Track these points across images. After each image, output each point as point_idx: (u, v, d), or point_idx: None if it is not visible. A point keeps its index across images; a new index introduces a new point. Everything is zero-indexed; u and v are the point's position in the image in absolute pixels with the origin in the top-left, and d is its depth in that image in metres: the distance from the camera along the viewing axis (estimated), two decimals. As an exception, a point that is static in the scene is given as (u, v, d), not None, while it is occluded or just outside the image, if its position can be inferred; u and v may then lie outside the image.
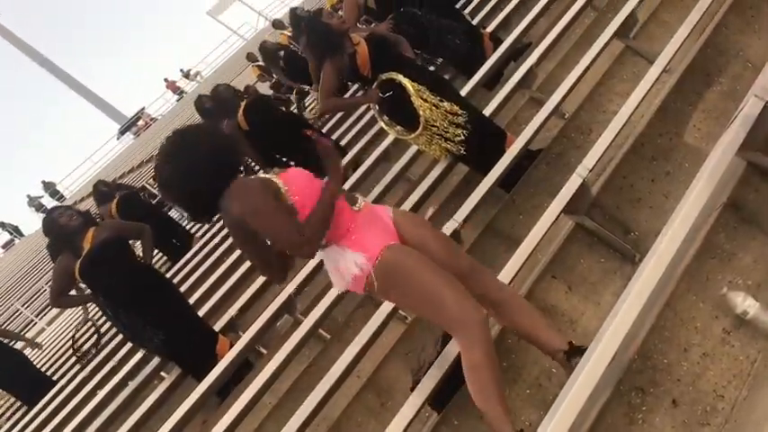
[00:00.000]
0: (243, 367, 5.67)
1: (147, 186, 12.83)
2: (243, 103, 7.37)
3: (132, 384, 6.31)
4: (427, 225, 3.34)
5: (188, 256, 9.59)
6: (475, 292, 3.20)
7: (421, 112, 4.91)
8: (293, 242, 2.94)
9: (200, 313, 6.57)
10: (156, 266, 11.07)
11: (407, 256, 3.05)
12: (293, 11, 7.76)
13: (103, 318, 6.92)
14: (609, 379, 3.17)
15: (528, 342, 3.41)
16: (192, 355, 5.90)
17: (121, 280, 5.65)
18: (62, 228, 5.67)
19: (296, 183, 3.05)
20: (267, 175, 3.07)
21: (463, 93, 5.95)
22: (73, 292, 6.12)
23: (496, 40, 7.11)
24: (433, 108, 4.94)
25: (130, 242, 6.19)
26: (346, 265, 3.08)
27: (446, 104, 4.98)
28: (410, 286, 3.03)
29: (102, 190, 9.39)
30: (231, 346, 5.64)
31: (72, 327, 12.10)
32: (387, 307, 4.31)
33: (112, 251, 5.70)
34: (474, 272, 3.25)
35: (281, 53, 10.48)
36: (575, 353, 3.14)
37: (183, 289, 8.00)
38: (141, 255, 6.27)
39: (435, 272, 3.02)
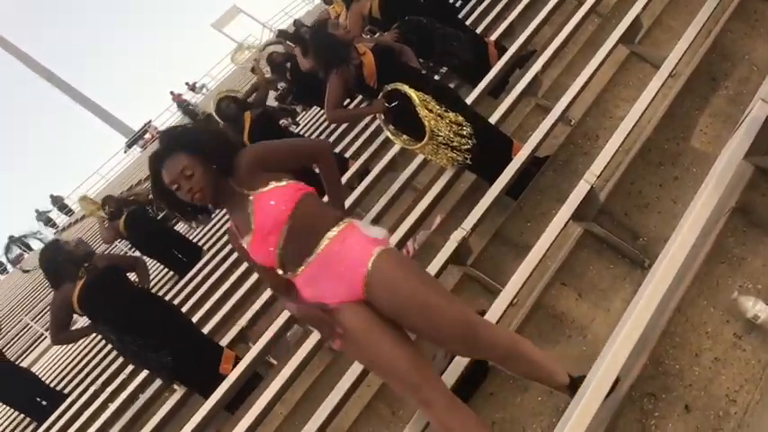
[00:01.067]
0: (253, 379, 5.66)
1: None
2: (248, 122, 7.42)
3: (143, 397, 6.31)
4: (407, 294, 2.92)
5: (196, 268, 9.61)
6: (469, 355, 3.27)
7: (426, 123, 4.91)
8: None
9: (210, 325, 6.58)
10: (164, 280, 11.15)
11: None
12: (297, 24, 7.79)
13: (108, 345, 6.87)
14: (621, 385, 3.17)
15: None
16: (198, 376, 5.90)
17: (120, 306, 5.66)
18: (69, 253, 5.69)
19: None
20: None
21: (468, 101, 5.96)
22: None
23: (501, 48, 7.12)
24: (438, 118, 4.94)
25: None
26: None
27: (451, 114, 4.98)
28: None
29: (110, 207, 9.42)
30: (237, 359, 5.65)
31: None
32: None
33: (109, 278, 5.71)
34: (465, 341, 2.98)
35: (288, 65, 10.50)
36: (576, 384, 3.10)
37: (192, 301, 8.02)
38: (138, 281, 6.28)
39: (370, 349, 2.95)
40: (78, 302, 5.56)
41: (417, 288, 2.91)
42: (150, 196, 11.86)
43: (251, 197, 2.96)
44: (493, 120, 5.67)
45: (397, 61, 5.35)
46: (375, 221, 6.19)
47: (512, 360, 3.08)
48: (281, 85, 11.06)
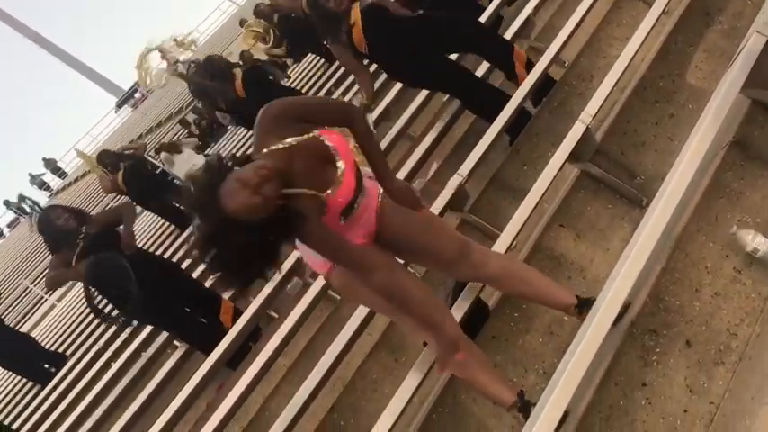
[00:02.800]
0: (252, 335, 5.68)
1: (148, 158, 12.78)
2: (239, 76, 7.30)
3: (145, 355, 6.34)
4: (412, 216, 3.08)
5: (195, 224, 9.58)
6: (467, 275, 3.34)
7: None
8: None
9: (211, 279, 6.58)
10: (164, 236, 11.13)
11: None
12: None
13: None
14: (622, 323, 3.18)
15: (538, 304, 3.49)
16: (199, 335, 5.93)
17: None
18: (59, 228, 5.68)
19: None
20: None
21: None
22: None
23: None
24: None
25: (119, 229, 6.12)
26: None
27: None
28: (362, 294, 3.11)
29: (106, 161, 9.35)
30: (236, 310, 5.69)
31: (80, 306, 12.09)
32: (396, 264, 4.33)
33: (105, 242, 5.70)
34: (462, 257, 3.18)
35: (275, 16, 10.39)
36: (584, 305, 3.18)
37: (191, 258, 8.01)
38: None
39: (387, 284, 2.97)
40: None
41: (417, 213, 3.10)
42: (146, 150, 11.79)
43: (320, 135, 2.80)
44: (486, 64, 5.62)
45: (386, 24, 5.32)
46: (371, 171, 6.17)
47: (508, 280, 3.27)
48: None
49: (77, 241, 5.61)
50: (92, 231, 5.71)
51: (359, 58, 5.40)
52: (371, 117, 6.02)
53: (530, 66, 5.22)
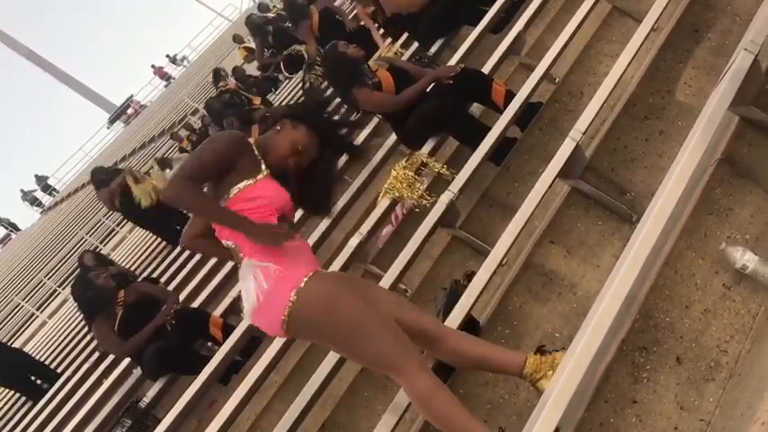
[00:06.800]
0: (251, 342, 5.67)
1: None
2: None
3: (137, 372, 6.31)
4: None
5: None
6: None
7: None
8: None
9: (202, 297, 6.58)
10: (154, 254, 11.11)
11: (335, 286, 2.96)
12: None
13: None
14: (612, 340, 3.18)
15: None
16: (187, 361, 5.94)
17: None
18: (100, 289, 5.77)
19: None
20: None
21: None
22: None
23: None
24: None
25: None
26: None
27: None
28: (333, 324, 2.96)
29: (100, 177, 9.33)
30: (226, 325, 5.79)
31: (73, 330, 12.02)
32: (387, 280, 4.33)
33: (141, 314, 5.80)
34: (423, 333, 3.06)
35: (270, 28, 10.49)
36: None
37: (182, 275, 8.00)
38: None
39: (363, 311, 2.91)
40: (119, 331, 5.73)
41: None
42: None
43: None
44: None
45: (413, 81, 5.38)
46: (363, 187, 6.18)
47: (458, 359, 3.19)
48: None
49: (115, 310, 5.73)
50: (131, 299, 5.76)
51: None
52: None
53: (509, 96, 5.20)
